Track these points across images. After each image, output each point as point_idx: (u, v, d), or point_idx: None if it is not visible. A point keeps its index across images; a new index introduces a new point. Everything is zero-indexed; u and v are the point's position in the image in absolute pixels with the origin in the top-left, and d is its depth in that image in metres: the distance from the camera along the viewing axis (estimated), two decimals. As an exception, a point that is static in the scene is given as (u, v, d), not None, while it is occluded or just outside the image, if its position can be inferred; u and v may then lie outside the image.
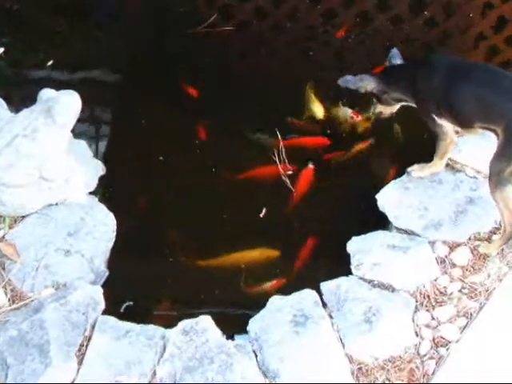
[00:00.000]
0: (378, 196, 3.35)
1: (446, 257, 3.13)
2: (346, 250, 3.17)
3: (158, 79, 4.07)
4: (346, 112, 3.92)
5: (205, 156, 3.70)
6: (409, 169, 3.40)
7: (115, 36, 4.32)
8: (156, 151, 3.72)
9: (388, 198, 3.35)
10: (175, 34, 4.33)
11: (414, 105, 3.32)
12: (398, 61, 3.39)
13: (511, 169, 2.92)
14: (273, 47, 4.39)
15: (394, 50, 3.41)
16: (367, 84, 3.34)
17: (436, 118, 3.21)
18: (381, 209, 3.31)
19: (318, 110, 3.94)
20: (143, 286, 3.20)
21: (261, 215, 3.46)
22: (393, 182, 3.42)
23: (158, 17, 4.48)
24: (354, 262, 3.13)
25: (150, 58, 4.23)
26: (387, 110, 3.48)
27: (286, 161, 3.64)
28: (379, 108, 3.48)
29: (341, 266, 3.13)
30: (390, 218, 3.28)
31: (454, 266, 3.09)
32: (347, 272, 3.10)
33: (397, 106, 3.45)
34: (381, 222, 3.32)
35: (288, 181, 3.58)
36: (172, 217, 3.50)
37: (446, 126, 3.23)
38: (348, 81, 3.35)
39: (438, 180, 3.37)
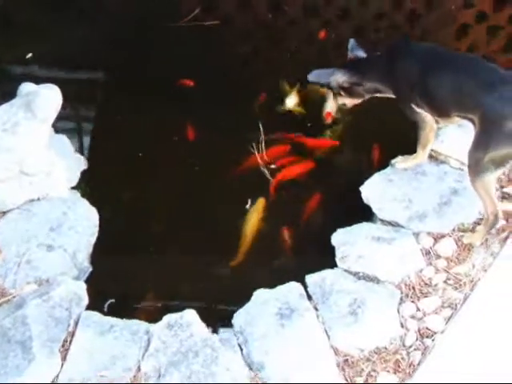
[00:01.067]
0: (362, 188, 3.38)
1: (430, 248, 3.16)
2: (331, 242, 3.18)
3: (140, 74, 4.07)
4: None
5: (188, 151, 3.70)
6: (393, 161, 3.42)
7: (96, 30, 4.28)
8: (138, 146, 3.72)
9: (372, 190, 3.37)
10: (158, 28, 4.30)
11: (390, 95, 3.32)
12: (359, 51, 3.40)
13: (488, 157, 2.92)
14: (258, 41, 4.40)
15: (352, 41, 3.43)
16: (339, 77, 3.36)
17: (414, 106, 3.22)
18: (365, 201, 3.34)
19: (291, 101, 3.93)
20: (127, 281, 3.19)
21: (247, 206, 3.47)
22: (377, 174, 3.44)
23: (140, 10, 4.43)
24: (338, 254, 3.16)
25: (133, 53, 4.20)
26: (351, 102, 3.49)
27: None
28: (341, 100, 3.47)
29: (326, 258, 3.14)
30: (375, 209, 3.30)
31: (438, 257, 3.12)
32: (332, 264, 3.13)
33: (363, 98, 3.45)
34: (365, 214, 3.33)
35: (267, 172, 3.59)
36: (155, 211, 3.51)
37: (425, 114, 3.24)
38: (318, 75, 3.38)
39: (421, 172, 3.39)
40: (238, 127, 3.75)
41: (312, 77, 3.38)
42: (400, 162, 3.41)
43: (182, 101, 3.91)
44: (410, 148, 3.43)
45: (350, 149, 3.77)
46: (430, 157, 3.43)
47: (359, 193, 3.36)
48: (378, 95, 3.38)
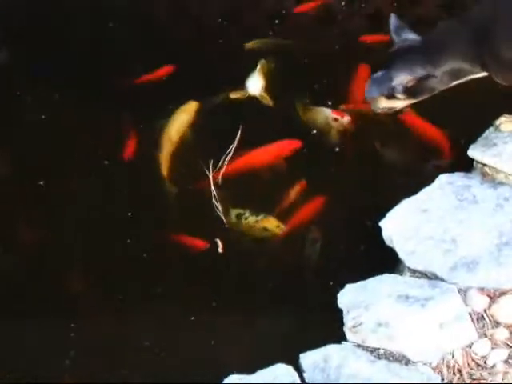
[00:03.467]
0: (382, 223, 2.88)
1: (485, 311, 2.64)
2: (337, 303, 2.71)
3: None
4: (323, 114, 3.52)
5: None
6: (497, 121, 2.95)
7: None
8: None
9: (398, 226, 2.89)
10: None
11: (477, 74, 2.85)
12: (406, 32, 2.88)
13: None
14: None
15: (394, 18, 2.95)
16: (404, 78, 2.83)
17: None
18: (387, 242, 2.84)
19: (255, 83, 3.59)
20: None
21: (219, 250, 3.13)
22: (405, 202, 2.94)
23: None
24: (348, 321, 2.64)
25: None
26: (404, 104, 2.96)
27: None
28: (390, 103, 2.93)
29: (329, 327, 2.70)
30: (402, 254, 2.81)
31: (496, 324, 2.61)
32: (339, 336, 2.64)
33: (431, 93, 2.93)
34: (387, 260, 2.89)
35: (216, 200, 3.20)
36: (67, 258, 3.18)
37: None
38: (378, 86, 2.91)
39: (471, 197, 2.89)
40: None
41: (371, 92, 2.89)
42: (507, 121, 2.96)
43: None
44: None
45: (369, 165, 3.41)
46: (484, 175, 2.93)
47: (379, 229, 2.87)
48: (455, 83, 2.88)
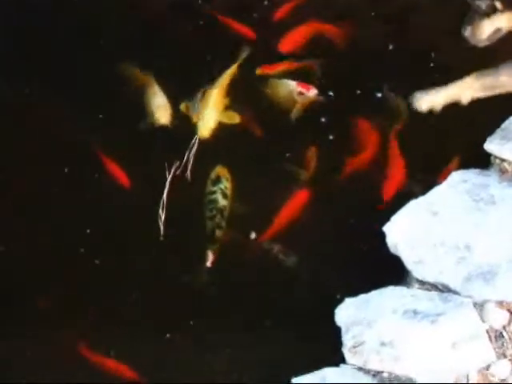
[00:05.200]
0: (386, 227, 2.70)
1: (504, 328, 2.49)
2: (335, 320, 2.55)
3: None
4: (287, 87, 3.34)
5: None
6: None
7: None
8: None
9: (404, 231, 2.72)
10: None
11: None
12: None
13: None
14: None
15: None
16: None
17: None
18: (392, 249, 2.66)
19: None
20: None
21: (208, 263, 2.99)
22: (412, 203, 2.76)
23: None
24: (347, 340, 2.48)
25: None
26: (505, 23, 2.67)
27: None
28: (494, 23, 2.62)
29: (326, 346, 2.55)
30: (408, 263, 2.63)
31: None
32: (337, 357, 2.48)
33: None
34: (392, 270, 2.70)
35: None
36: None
37: None
38: None
39: (488, 197, 2.72)
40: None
41: None
42: None
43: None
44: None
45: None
46: (502, 172, 2.78)
47: (382, 235, 2.69)
48: None
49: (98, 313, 3.05)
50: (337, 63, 3.40)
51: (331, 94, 3.42)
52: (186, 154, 3.27)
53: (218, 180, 3.18)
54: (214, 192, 3.14)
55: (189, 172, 3.24)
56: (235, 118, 3.34)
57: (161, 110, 3.41)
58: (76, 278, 3.15)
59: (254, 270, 3.11)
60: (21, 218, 3.27)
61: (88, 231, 3.20)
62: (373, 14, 3.67)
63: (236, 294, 3.04)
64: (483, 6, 2.50)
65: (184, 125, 3.42)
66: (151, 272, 3.15)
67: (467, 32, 2.62)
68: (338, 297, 2.70)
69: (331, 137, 3.33)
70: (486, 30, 2.51)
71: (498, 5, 2.46)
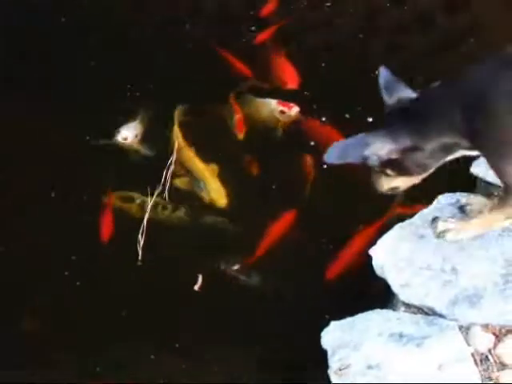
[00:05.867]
0: (372, 250, 2.69)
1: (489, 352, 2.48)
2: (320, 343, 2.53)
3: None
4: (269, 106, 3.31)
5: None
6: (438, 228, 2.59)
7: None
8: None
9: (390, 254, 2.70)
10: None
11: (471, 152, 2.40)
12: (402, 88, 2.37)
13: None
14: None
15: (384, 72, 2.40)
16: (380, 147, 2.35)
17: None
18: (378, 272, 2.65)
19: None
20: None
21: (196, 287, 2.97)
22: (398, 226, 2.75)
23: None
24: (334, 363, 2.46)
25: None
26: (406, 183, 2.51)
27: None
28: (390, 183, 2.49)
29: (312, 370, 2.63)
30: (394, 287, 2.62)
31: (503, 366, 2.44)
32: (323, 381, 2.46)
33: (426, 172, 2.48)
34: (378, 294, 2.73)
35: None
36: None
37: None
38: (344, 153, 2.37)
39: None
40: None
41: (333, 157, 2.34)
42: (450, 230, 2.58)
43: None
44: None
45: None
46: (488, 195, 2.74)
47: (368, 258, 2.69)
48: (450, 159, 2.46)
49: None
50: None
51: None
52: (164, 174, 3.21)
53: None
54: None
55: (167, 193, 3.13)
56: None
57: None
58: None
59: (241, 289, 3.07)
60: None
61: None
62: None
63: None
64: (376, 168, 2.53)
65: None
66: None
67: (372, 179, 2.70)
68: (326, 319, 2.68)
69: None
70: (385, 185, 2.57)
71: (389, 171, 2.46)
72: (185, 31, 3.81)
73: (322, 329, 2.62)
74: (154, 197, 3.23)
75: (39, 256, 3.22)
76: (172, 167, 3.30)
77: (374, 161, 2.40)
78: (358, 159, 2.42)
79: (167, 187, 3.21)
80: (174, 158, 3.29)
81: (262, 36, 3.79)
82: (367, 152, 2.39)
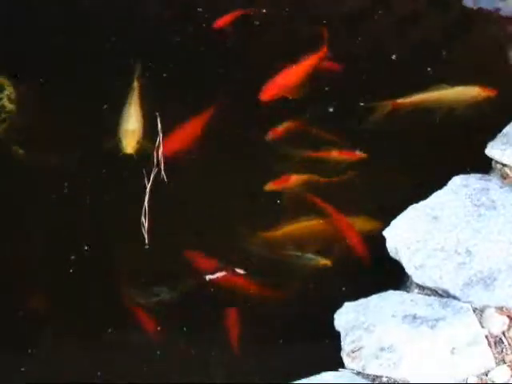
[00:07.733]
0: (386, 231, 2.74)
1: (503, 334, 2.51)
2: (334, 324, 2.58)
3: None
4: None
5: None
6: None
7: None
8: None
9: (404, 235, 2.75)
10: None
11: None
12: None
13: None
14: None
15: None
16: None
17: None
18: (392, 253, 2.69)
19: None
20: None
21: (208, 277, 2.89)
22: (412, 208, 2.80)
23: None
24: (346, 344, 2.51)
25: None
26: None
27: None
28: None
29: (324, 351, 2.59)
30: (408, 268, 2.66)
31: None
32: (336, 362, 2.49)
33: None
34: (392, 275, 2.74)
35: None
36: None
37: None
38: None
39: (489, 202, 2.75)
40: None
41: None
42: None
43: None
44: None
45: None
46: (504, 177, 2.79)
47: (382, 239, 2.72)
48: None
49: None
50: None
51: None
52: (155, 154, 3.24)
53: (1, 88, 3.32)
54: (1, 99, 3.26)
55: (163, 172, 3.11)
56: None
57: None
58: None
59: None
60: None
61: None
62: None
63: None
64: None
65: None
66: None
67: None
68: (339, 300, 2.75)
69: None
70: None
71: None
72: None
73: (335, 310, 2.68)
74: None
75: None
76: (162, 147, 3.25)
77: None
78: None
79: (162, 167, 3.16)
80: (161, 136, 3.28)
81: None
82: None
